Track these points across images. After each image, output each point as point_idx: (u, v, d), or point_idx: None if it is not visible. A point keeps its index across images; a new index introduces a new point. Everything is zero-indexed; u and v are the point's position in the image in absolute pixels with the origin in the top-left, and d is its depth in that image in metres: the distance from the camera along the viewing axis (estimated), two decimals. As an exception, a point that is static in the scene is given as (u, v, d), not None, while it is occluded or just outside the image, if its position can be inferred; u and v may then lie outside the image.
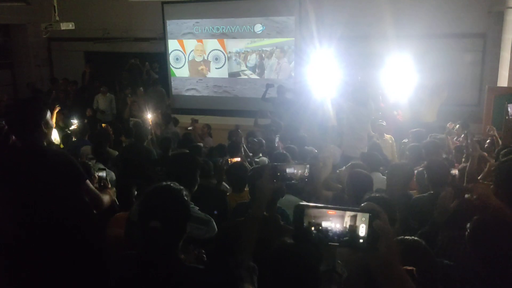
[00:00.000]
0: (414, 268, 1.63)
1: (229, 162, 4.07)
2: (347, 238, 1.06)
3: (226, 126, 8.54)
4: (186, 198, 1.81)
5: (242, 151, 4.92)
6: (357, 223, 1.05)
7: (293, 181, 1.87)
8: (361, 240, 1.05)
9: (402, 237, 1.73)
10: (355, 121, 5.78)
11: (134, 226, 2.56)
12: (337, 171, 4.20)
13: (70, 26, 7.71)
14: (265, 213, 1.83)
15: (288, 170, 1.83)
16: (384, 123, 6.64)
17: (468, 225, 2.21)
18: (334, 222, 1.05)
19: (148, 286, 1.69)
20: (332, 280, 1.70)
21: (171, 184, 1.83)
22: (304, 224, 1.07)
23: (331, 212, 1.06)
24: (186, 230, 1.81)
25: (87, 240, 2.66)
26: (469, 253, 2.25)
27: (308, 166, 1.85)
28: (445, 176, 3.54)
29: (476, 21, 8.91)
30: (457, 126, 6.11)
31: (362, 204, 1.08)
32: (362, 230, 1.05)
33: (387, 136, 6.34)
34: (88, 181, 2.69)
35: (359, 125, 5.81)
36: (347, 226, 1.05)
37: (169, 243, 1.73)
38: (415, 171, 3.98)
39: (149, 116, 7.79)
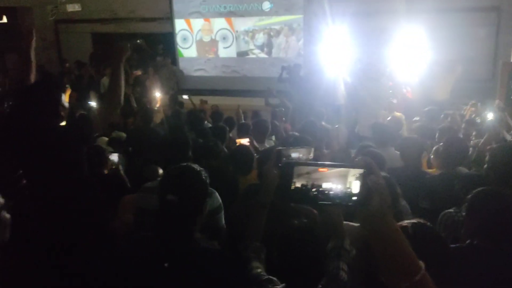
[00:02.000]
0: (409, 225, 1.58)
1: (236, 143, 4.04)
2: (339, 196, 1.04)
3: (235, 107, 8.48)
4: (205, 179, 1.84)
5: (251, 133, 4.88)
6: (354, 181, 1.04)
7: None
8: (354, 198, 1.04)
9: (410, 221, 1.68)
10: (368, 98, 5.70)
11: (144, 213, 2.58)
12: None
13: (76, 7, 7.67)
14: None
15: (293, 155, 1.83)
16: (395, 101, 6.54)
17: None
18: (335, 183, 1.03)
19: (163, 265, 1.72)
20: (340, 257, 1.69)
21: (192, 165, 1.88)
22: (307, 186, 1.05)
23: (322, 170, 1.04)
24: (203, 210, 1.84)
25: (98, 221, 2.67)
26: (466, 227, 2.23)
27: (312, 149, 1.84)
28: (462, 155, 3.47)
29: (490, -6, 8.69)
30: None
31: (356, 159, 1.05)
32: (356, 187, 1.03)
33: (397, 114, 6.25)
34: None
35: (373, 102, 5.73)
36: (351, 186, 1.03)
37: (185, 220, 1.76)
38: (433, 148, 3.92)
39: (158, 96, 7.76)
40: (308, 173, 1.05)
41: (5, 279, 1.29)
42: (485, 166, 2.85)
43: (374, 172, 1.02)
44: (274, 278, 1.68)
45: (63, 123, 2.81)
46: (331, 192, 1.04)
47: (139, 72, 9.60)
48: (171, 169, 1.88)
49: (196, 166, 1.86)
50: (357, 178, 1.03)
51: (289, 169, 1.05)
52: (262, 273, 1.70)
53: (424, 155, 3.84)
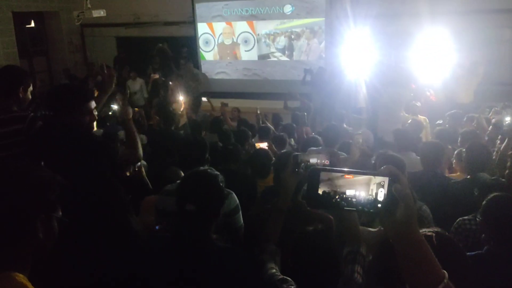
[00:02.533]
0: (434, 234, 1.57)
1: (256, 147, 4.07)
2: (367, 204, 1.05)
3: (256, 110, 8.53)
4: (221, 184, 1.90)
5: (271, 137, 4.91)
6: (378, 188, 1.04)
7: None
8: (379, 205, 1.04)
9: (428, 229, 1.67)
10: (390, 103, 5.66)
11: (163, 214, 2.63)
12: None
13: (101, 13, 7.80)
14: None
15: (312, 160, 1.82)
16: (419, 104, 6.45)
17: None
18: (358, 190, 1.04)
19: (181, 265, 1.77)
20: (355, 261, 1.70)
21: (208, 170, 1.89)
22: (330, 193, 1.06)
23: (347, 176, 1.05)
24: (219, 214, 1.89)
25: (120, 221, 2.73)
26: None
27: (329, 155, 1.84)
28: (484, 161, 3.43)
29: (515, -5, 8.50)
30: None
31: (381, 168, 1.05)
32: (381, 195, 1.04)
33: (421, 118, 6.18)
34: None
35: (395, 107, 5.69)
36: (373, 194, 1.04)
37: (203, 225, 1.82)
38: (455, 151, 3.88)
39: (181, 99, 7.88)
40: (329, 179, 1.06)
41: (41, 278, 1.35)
42: (507, 171, 2.81)
43: (399, 181, 1.02)
44: (289, 278, 1.70)
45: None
46: (353, 200, 1.05)
47: (156, 76, 9.77)
48: (187, 177, 1.93)
49: (212, 171, 1.91)
50: (381, 186, 1.04)
51: (315, 174, 1.07)
52: (276, 273, 1.72)
53: (444, 161, 3.80)
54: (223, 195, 1.91)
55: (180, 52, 11.37)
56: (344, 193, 1.05)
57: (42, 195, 1.33)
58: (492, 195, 2.21)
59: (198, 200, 1.79)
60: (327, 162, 1.81)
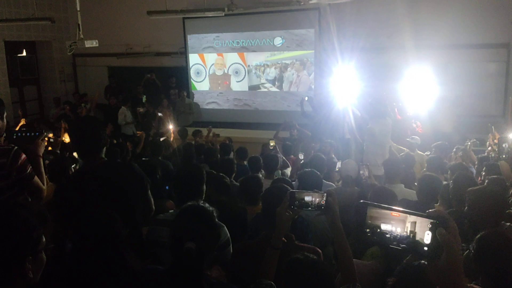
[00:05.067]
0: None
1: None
2: (409, 243, 1.03)
3: (246, 139, 8.58)
4: (216, 220, 1.86)
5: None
6: (420, 229, 1.02)
7: (309, 208, 1.86)
8: (425, 248, 1.01)
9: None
10: (378, 134, 5.71)
11: (157, 245, 2.60)
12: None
13: (94, 43, 7.86)
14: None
15: (306, 198, 1.82)
16: (418, 139, 6.39)
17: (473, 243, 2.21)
18: (395, 226, 1.04)
19: None
20: None
21: (204, 206, 1.88)
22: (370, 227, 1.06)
23: (394, 214, 1.04)
24: (214, 249, 1.86)
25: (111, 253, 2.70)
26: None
27: (325, 195, 1.84)
28: None
29: (499, 31, 8.76)
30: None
31: (430, 210, 1.03)
32: (428, 238, 1.01)
33: (420, 153, 6.15)
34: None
35: (383, 138, 5.74)
36: (408, 231, 1.02)
37: (199, 261, 1.78)
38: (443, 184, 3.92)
39: (171, 128, 7.94)
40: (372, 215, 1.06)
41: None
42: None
43: (446, 226, 0.99)
44: None
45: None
46: (388, 234, 1.04)
47: (141, 109, 9.84)
48: (184, 213, 1.89)
49: (207, 206, 1.88)
50: (428, 228, 1.02)
51: (363, 209, 1.07)
52: None
53: None
54: (218, 230, 1.90)
55: (170, 82, 11.46)
56: (379, 226, 1.04)
57: (27, 236, 1.33)
58: (484, 232, 2.24)
59: (197, 238, 1.75)
60: (323, 202, 1.80)
